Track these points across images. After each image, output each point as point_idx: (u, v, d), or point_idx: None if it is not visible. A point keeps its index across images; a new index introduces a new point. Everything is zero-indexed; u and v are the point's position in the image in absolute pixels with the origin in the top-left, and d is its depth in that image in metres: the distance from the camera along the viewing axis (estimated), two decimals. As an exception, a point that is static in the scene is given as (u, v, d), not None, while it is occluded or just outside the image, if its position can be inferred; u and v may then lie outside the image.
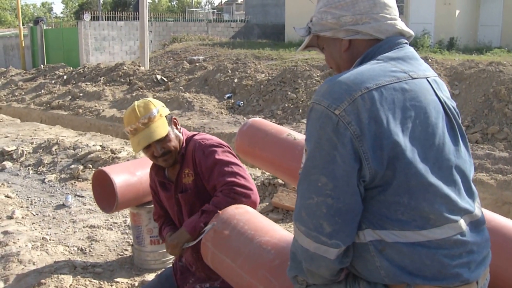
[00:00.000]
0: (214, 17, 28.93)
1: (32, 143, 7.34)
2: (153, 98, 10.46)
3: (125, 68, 14.06)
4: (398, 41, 1.34)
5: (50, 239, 4.03)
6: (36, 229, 4.29)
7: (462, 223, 1.24)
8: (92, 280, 3.25)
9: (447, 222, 1.21)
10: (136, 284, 3.26)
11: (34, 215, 4.72)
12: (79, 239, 4.10)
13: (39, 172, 6.17)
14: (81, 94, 12.45)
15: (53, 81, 14.91)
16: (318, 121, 1.20)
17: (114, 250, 3.88)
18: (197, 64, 13.90)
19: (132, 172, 3.31)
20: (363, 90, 1.18)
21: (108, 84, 13.30)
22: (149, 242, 3.43)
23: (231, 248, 1.75)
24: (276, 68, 11.77)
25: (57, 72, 16.17)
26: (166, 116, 2.15)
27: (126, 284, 3.27)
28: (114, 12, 23.04)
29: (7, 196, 5.20)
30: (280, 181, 4.88)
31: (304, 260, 1.25)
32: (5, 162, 6.53)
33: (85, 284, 3.18)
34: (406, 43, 1.36)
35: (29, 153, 6.81)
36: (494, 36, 16.90)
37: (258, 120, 2.77)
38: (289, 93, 10.03)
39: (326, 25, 1.36)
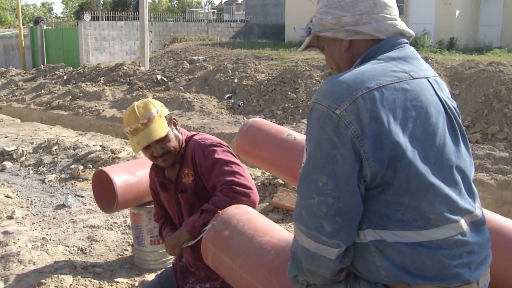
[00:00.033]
0: (214, 17, 28.94)
1: (32, 143, 7.34)
2: (153, 98, 10.46)
3: (125, 68, 14.07)
4: (398, 41, 1.33)
5: (50, 239, 4.03)
6: (36, 229, 4.29)
7: (463, 223, 1.24)
8: (92, 280, 3.25)
9: (448, 222, 1.21)
10: (136, 284, 3.26)
11: (34, 215, 4.73)
12: (79, 239, 4.10)
13: (39, 172, 6.17)
14: (81, 94, 12.46)
15: (53, 81, 14.92)
16: (318, 121, 1.20)
17: (114, 250, 3.88)
18: (197, 64, 13.91)
19: (132, 172, 3.31)
20: (364, 90, 1.18)
21: (108, 84, 13.31)
22: (149, 242, 3.43)
23: (231, 248, 1.75)
24: (276, 68, 11.77)
25: (57, 72, 16.18)
26: (165, 117, 2.15)
27: (126, 284, 3.27)
28: (114, 12, 23.04)
29: (7, 196, 5.21)
30: (280, 181, 4.88)
31: (304, 260, 1.25)
32: (5, 162, 6.53)
33: (85, 284, 3.18)
34: (407, 43, 1.36)
35: (29, 153, 6.81)
36: (494, 36, 16.90)
37: (258, 120, 2.77)
38: (289, 93, 10.03)
39: (326, 25, 1.36)
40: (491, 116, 7.65)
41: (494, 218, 1.76)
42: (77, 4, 48.42)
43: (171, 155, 2.16)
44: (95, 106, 11.31)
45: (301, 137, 2.50)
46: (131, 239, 3.91)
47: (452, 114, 1.31)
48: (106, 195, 3.30)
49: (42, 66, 18.53)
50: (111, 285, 3.23)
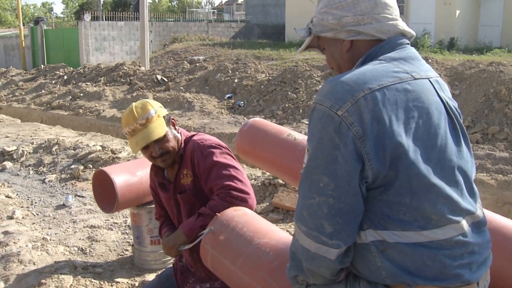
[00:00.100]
0: (215, 17, 28.93)
1: (32, 143, 7.34)
2: (153, 98, 10.45)
3: (125, 68, 14.07)
4: (399, 41, 1.33)
5: (50, 239, 4.03)
6: (36, 229, 4.29)
7: (464, 224, 1.23)
8: (93, 280, 3.25)
9: (449, 223, 1.21)
10: (137, 284, 3.26)
11: (34, 215, 4.73)
12: (80, 239, 4.10)
13: (39, 172, 6.18)
14: (81, 94, 12.46)
15: (53, 81, 14.92)
16: (320, 121, 1.19)
17: (114, 250, 3.88)
18: (197, 64, 13.90)
19: (133, 172, 3.31)
20: (366, 91, 1.18)
21: (108, 84, 13.31)
22: (150, 242, 3.43)
23: (230, 250, 1.74)
24: (277, 68, 11.77)
25: (57, 72, 16.18)
26: (164, 117, 2.14)
27: (127, 284, 3.27)
28: (114, 12, 23.06)
29: (7, 196, 5.21)
30: (280, 181, 4.88)
31: (304, 260, 1.25)
32: (5, 162, 6.53)
33: (86, 284, 3.18)
34: (408, 44, 1.36)
35: (29, 153, 6.81)
36: (494, 36, 16.90)
37: (258, 120, 2.77)
38: (289, 93, 10.03)
39: (327, 25, 1.35)
40: (491, 116, 7.65)
41: (495, 218, 1.75)
42: (77, 4, 48.45)
43: (170, 156, 2.16)
44: (95, 106, 11.31)
45: (301, 137, 2.50)
46: (131, 239, 3.91)
47: (454, 114, 1.31)
48: (106, 195, 3.30)
49: (42, 66, 18.54)
50: (111, 285, 3.23)
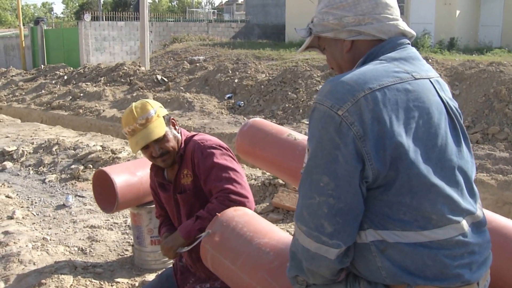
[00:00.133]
0: (215, 17, 28.94)
1: (32, 143, 7.34)
2: (153, 98, 10.44)
3: (125, 68, 14.07)
4: (400, 41, 1.33)
5: (50, 239, 4.03)
6: (36, 229, 4.30)
7: (464, 224, 1.23)
8: (93, 280, 3.25)
9: (449, 223, 1.21)
10: (137, 284, 3.26)
11: (34, 215, 4.73)
12: (80, 239, 4.10)
13: (39, 172, 6.18)
14: (81, 94, 12.46)
15: (53, 81, 14.92)
16: (320, 121, 1.19)
17: (114, 250, 3.88)
18: (197, 64, 13.90)
19: (133, 172, 3.31)
20: (366, 91, 1.18)
21: (108, 84, 13.31)
22: (150, 242, 3.43)
23: (230, 250, 1.74)
24: (277, 68, 11.77)
25: (57, 72, 16.18)
26: (164, 117, 2.14)
27: (127, 284, 3.27)
28: (114, 12, 23.06)
29: (7, 196, 5.21)
30: (280, 181, 4.88)
31: (304, 260, 1.25)
32: (5, 162, 6.53)
33: (86, 284, 3.18)
34: (409, 44, 1.36)
35: (29, 153, 6.81)
36: (494, 36, 16.89)
37: (258, 120, 2.77)
38: (289, 93, 10.03)
39: (327, 26, 1.35)
40: (491, 116, 7.64)
41: (495, 218, 1.75)
42: (77, 4, 48.46)
43: (170, 155, 2.15)
44: (96, 106, 11.31)
45: (301, 137, 2.50)
46: (131, 239, 3.91)
47: (454, 114, 1.31)
48: (106, 195, 3.30)
49: (42, 66, 18.53)
50: (112, 285, 3.23)
